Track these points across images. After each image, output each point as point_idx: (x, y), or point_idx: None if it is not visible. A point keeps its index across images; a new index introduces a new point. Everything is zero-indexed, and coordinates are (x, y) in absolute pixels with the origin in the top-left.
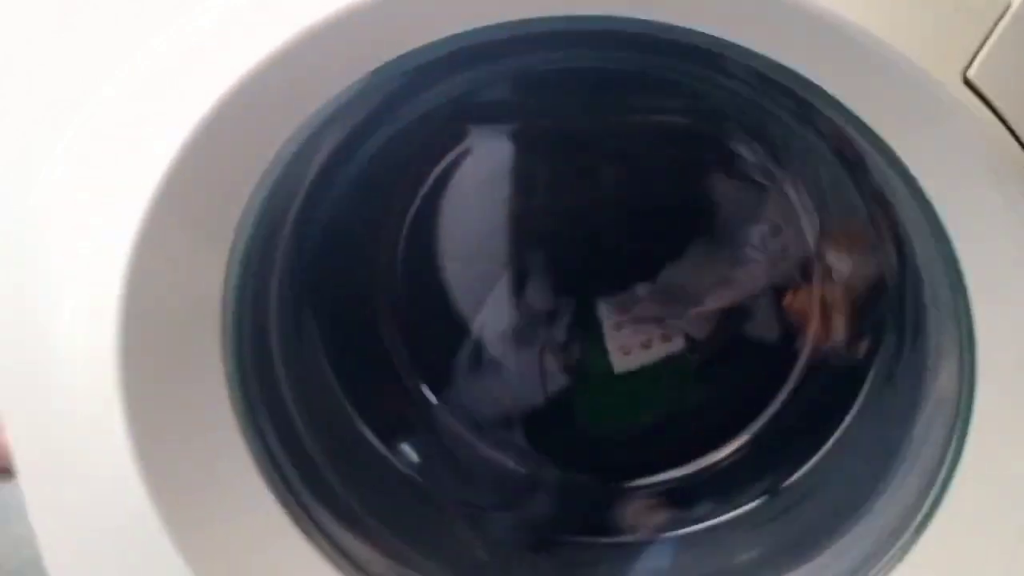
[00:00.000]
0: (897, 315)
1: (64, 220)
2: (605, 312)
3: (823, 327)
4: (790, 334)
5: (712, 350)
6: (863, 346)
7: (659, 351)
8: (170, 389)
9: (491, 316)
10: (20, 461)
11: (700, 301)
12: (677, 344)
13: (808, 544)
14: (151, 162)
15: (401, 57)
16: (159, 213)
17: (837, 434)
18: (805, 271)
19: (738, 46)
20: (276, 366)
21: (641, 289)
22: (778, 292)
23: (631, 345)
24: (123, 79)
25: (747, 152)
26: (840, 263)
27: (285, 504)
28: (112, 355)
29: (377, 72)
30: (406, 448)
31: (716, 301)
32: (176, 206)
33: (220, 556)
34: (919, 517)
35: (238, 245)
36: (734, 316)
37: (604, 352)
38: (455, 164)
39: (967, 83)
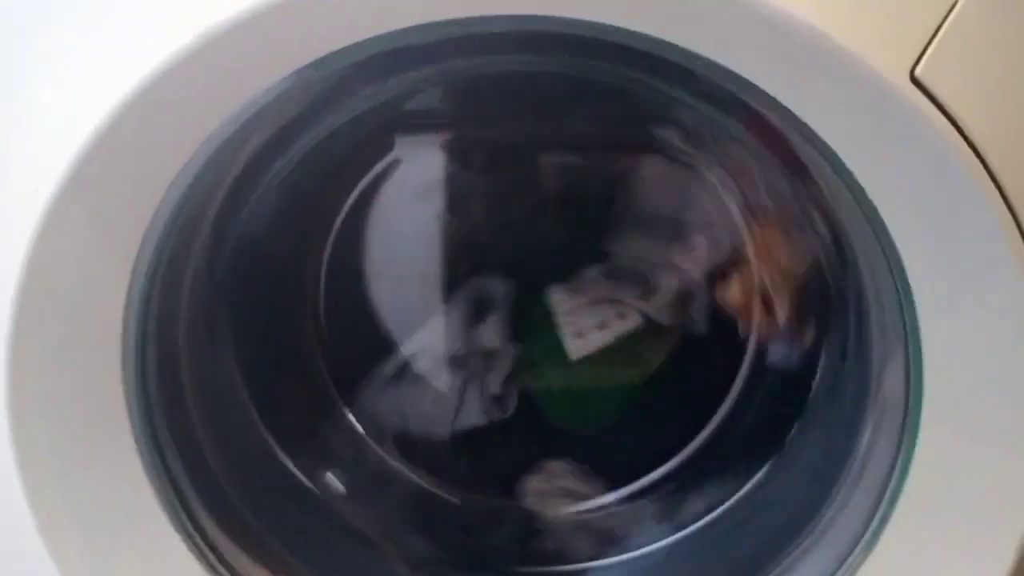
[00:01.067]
0: (840, 319)
1: None
2: (556, 300)
3: (766, 322)
4: (733, 338)
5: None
6: (805, 345)
7: (615, 330)
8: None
9: (426, 334)
10: None
11: (650, 280)
12: (633, 321)
13: (758, 563)
14: (57, 153)
15: (327, 56)
16: (63, 208)
17: (781, 449)
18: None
19: (680, 48)
20: (185, 384)
21: (590, 272)
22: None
23: (586, 328)
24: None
25: (683, 149)
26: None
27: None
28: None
29: (303, 71)
30: (328, 476)
31: (667, 281)
32: (84, 199)
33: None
34: (872, 526)
35: (147, 247)
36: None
37: (558, 342)
38: (385, 174)
39: (915, 81)
